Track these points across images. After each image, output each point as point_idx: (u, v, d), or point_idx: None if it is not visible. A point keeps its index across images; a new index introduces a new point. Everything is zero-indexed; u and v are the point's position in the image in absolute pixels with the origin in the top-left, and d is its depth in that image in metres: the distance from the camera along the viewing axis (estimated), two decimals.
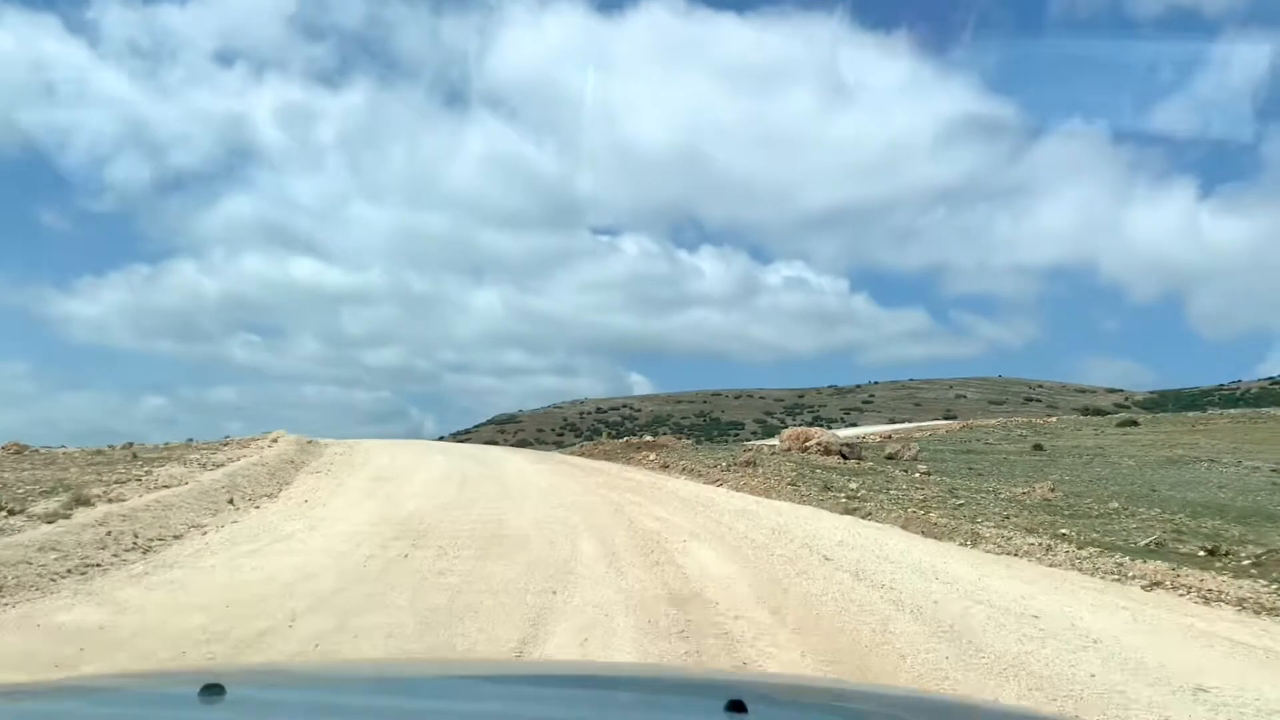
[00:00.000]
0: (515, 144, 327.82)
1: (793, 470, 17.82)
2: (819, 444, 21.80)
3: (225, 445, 18.28)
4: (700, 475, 18.01)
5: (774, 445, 24.42)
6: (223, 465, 14.57)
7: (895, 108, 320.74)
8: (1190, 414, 46.31)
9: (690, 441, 26.79)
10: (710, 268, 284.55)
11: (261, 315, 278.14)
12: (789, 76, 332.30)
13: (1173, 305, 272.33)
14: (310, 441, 20.19)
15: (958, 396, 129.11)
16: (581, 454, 24.39)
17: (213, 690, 1.62)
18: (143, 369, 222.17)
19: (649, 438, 25.77)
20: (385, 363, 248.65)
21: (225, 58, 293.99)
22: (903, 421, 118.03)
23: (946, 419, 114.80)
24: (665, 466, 19.67)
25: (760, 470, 17.77)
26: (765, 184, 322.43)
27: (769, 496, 15.12)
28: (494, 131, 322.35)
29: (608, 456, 22.68)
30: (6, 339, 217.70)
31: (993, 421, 35.89)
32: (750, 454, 19.98)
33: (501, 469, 18.10)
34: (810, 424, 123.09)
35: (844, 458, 20.74)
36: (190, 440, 20.30)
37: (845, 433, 44.67)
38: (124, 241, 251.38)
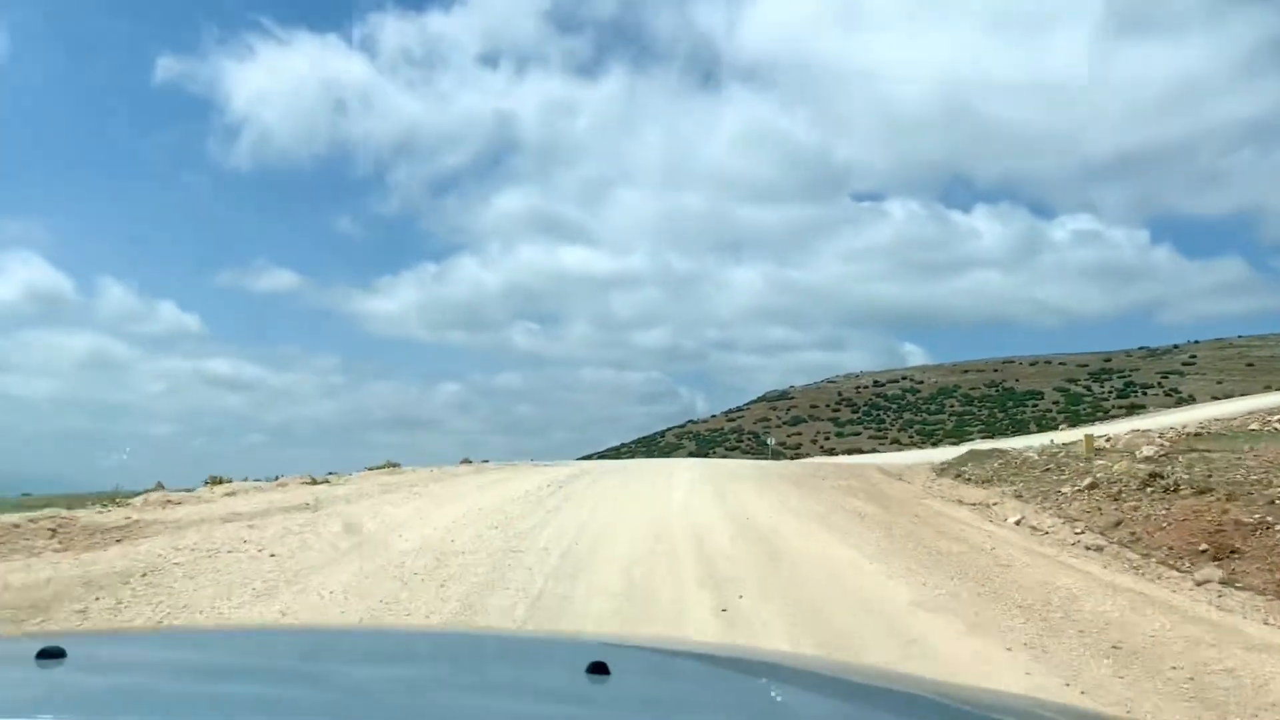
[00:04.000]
0: (770, 116, 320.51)
1: None
2: None
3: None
4: None
5: None
6: None
7: (1187, 38, 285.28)
8: None
9: None
10: (986, 227, 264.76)
11: (538, 303, 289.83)
12: (1060, 15, 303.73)
13: None
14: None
15: None
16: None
17: (52, 655, 1.63)
18: (437, 359, 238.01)
19: None
20: (654, 344, 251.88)
21: (489, 59, 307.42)
22: (1234, 384, 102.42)
23: None
24: None
25: None
26: (1042, 134, 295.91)
27: None
28: (748, 106, 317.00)
29: None
30: (320, 336, 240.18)
31: None
32: None
33: None
34: (1121, 391, 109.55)
35: None
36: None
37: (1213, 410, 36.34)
38: (412, 241, 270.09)
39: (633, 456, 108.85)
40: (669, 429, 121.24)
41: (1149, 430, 22.44)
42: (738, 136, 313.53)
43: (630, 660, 2.09)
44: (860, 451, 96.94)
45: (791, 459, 54.87)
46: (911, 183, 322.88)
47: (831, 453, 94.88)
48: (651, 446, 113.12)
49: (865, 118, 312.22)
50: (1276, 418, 19.77)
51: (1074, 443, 16.16)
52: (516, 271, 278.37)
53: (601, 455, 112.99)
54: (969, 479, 14.09)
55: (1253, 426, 18.47)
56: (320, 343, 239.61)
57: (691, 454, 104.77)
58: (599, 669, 1.63)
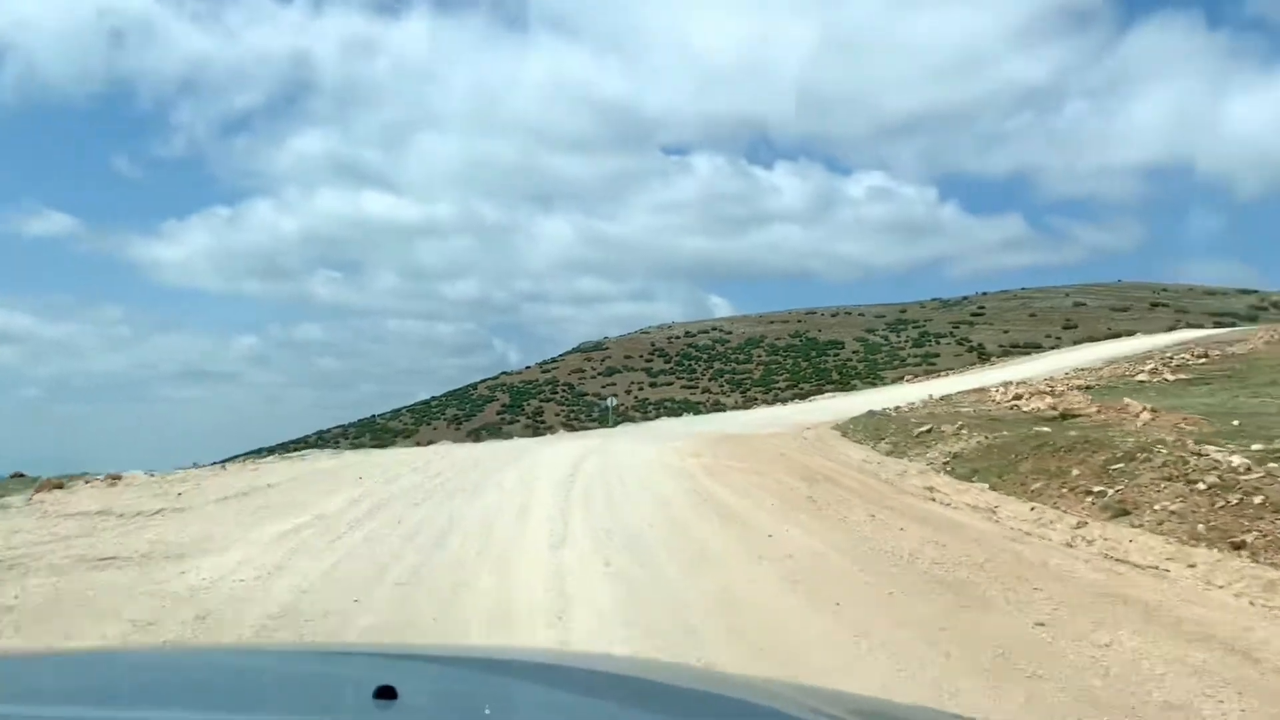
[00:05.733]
0: (580, 65, 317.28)
1: None
2: None
3: None
4: None
5: None
6: None
7: (974, 3, 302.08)
8: None
9: None
10: (787, 183, 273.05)
11: (340, 251, 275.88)
12: None
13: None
14: None
15: (1076, 304, 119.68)
16: None
17: None
18: (232, 309, 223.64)
19: None
20: (464, 295, 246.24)
21: None
22: (1019, 333, 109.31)
23: (1066, 329, 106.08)
24: None
25: None
26: (838, 93, 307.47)
27: None
28: (557, 53, 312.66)
29: None
30: (100, 284, 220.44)
31: None
32: None
33: None
34: (917, 340, 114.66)
35: None
36: None
37: (1069, 357, 37.16)
38: (200, 184, 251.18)
39: (443, 411, 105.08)
40: (482, 381, 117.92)
41: (1014, 382, 21.92)
42: (547, 84, 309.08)
43: (424, 678, 1.92)
44: (674, 402, 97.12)
45: (617, 416, 53.38)
46: (717, 138, 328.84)
47: (646, 405, 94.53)
48: (464, 400, 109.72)
49: (673, 71, 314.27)
50: (1148, 368, 19.68)
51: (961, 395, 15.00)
52: (316, 218, 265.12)
53: (411, 409, 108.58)
54: (1148, 525, 7.82)
55: (1141, 378, 18.22)
56: (100, 291, 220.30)
57: (506, 406, 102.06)
58: (387, 693, 1.49)
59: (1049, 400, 12.03)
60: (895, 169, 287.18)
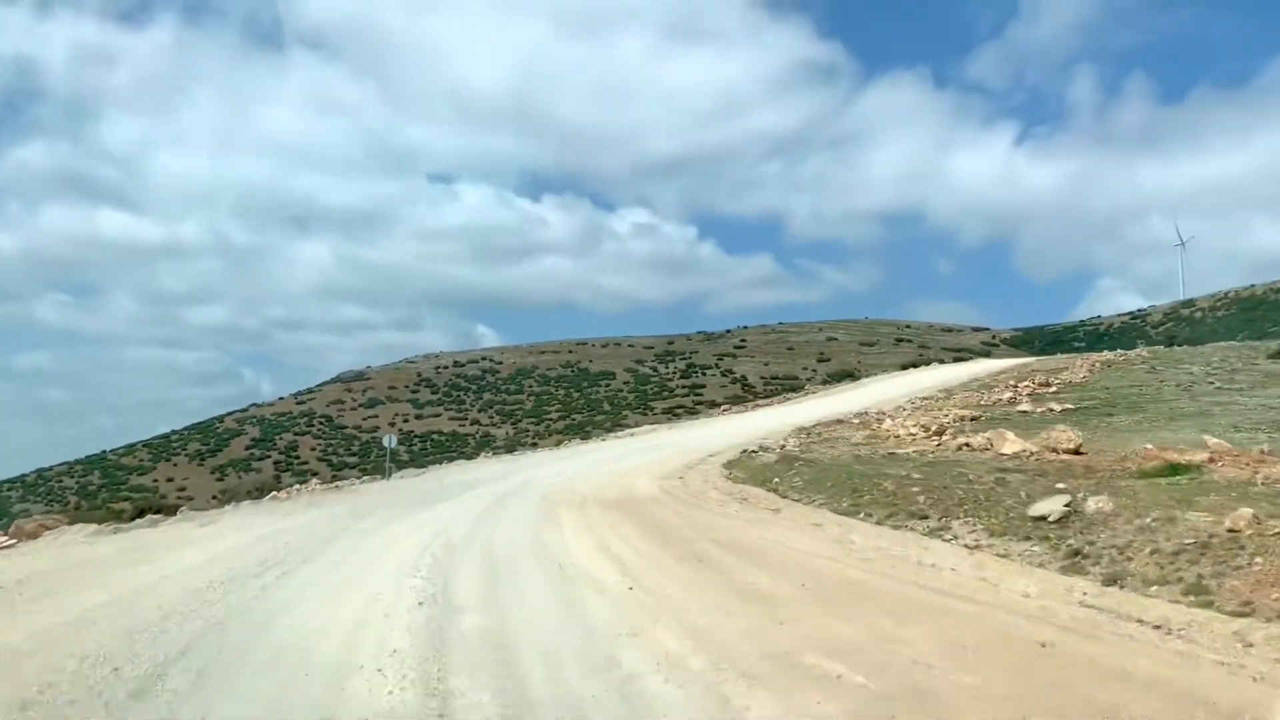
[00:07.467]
0: (340, 87, 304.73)
1: None
2: None
3: None
4: None
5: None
6: None
7: (730, 52, 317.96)
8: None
9: None
10: (554, 216, 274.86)
11: (70, 273, 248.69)
12: (621, 20, 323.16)
13: (997, 247, 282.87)
14: None
15: (829, 339, 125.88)
16: None
17: None
18: None
19: None
20: (210, 321, 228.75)
21: None
22: (779, 366, 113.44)
23: (821, 362, 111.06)
24: None
25: None
26: (602, 131, 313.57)
27: None
28: (315, 74, 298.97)
29: None
30: None
31: (1111, 356, 29.33)
32: None
33: None
34: (684, 371, 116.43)
35: None
36: None
37: (897, 382, 36.98)
38: None
39: (185, 446, 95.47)
40: (229, 413, 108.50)
41: (870, 412, 20.97)
42: (305, 105, 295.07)
43: None
44: (443, 434, 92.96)
45: (382, 455, 49.15)
46: (484, 168, 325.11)
47: (413, 439, 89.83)
48: (208, 433, 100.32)
49: (437, 99, 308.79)
50: (1006, 397, 19.25)
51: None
52: (42, 236, 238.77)
53: (149, 444, 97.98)
54: None
55: (1023, 407, 17.59)
56: None
57: (256, 441, 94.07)
58: None
59: (1032, 442, 9.11)
60: (658, 207, 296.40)
